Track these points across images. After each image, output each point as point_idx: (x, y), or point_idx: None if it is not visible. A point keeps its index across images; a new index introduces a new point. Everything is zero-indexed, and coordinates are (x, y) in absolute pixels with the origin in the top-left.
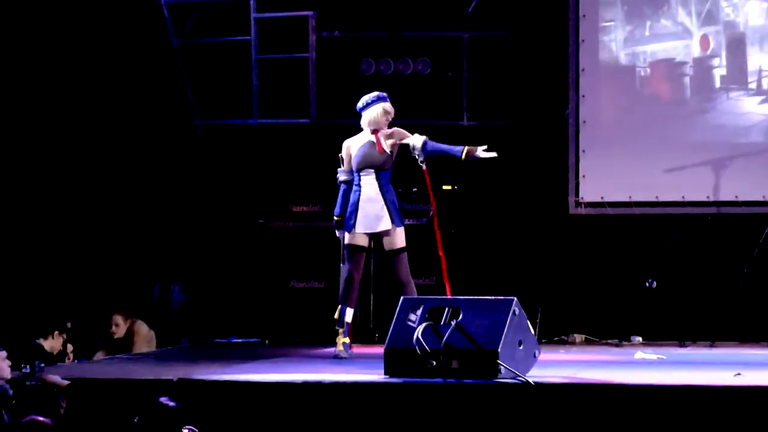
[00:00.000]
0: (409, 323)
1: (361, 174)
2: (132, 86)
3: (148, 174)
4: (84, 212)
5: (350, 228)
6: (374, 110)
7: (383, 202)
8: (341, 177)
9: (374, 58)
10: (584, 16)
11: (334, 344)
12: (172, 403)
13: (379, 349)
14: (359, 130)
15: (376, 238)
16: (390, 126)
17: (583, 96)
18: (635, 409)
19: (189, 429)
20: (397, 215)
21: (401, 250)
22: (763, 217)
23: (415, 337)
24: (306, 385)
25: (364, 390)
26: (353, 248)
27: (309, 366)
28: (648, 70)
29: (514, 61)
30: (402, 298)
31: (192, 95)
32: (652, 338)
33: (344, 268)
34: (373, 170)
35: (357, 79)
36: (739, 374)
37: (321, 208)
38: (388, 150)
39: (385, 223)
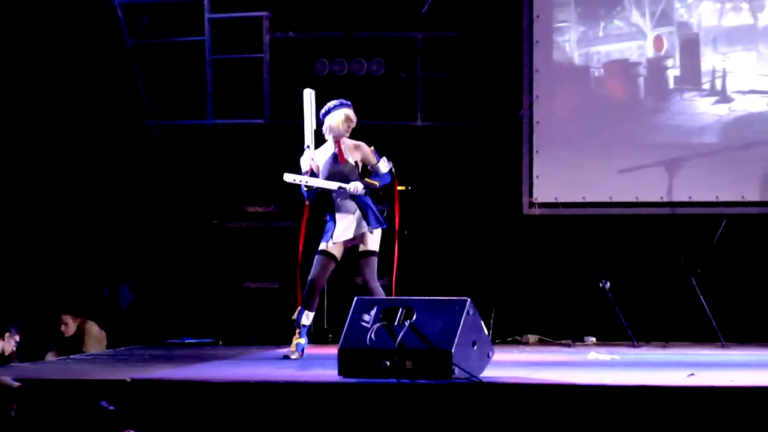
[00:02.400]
0: (363, 324)
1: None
2: (85, 86)
3: (101, 174)
4: (36, 212)
5: (327, 239)
6: (335, 117)
7: (357, 207)
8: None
9: (328, 59)
10: (538, 16)
11: (288, 345)
12: (110, 407)
13: (333, 350)
14: (315, 130)
15: (351, 242)
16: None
17: (537, 96)
18: (589, 409)
19: None
20: (372, 217)
21: (372, 253)
22: (717, 217)
23: (368, 337)
24: (260, 385)
25: (318, 391)
26: (326, 254)
27: (263, 367)
28: (602, 70)
29: (468, 61)
30: (356, 298)
31: (146, 95)
32: (606, 339)
33: (313, 272)
34: (343, 183)
35: (311, 80)
36: (692, 374)
37: (275, 208)
38: (352, 160)
39: (361, 227)
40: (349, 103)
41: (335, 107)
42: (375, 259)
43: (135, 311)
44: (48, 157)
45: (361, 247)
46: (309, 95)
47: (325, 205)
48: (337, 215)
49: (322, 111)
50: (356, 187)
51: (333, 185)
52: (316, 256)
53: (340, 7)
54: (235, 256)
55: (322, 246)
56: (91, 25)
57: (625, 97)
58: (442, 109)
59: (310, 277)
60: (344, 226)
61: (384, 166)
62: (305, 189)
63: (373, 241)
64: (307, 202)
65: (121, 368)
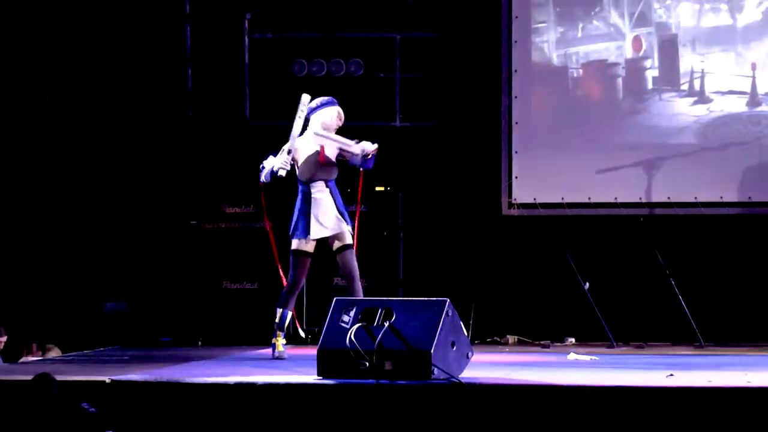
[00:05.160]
0: (342, 324)
1: (309, 184)
2: (68, 88)
3: (77, 174)
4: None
5: (300, 235)
6: (327, 113)
7: (335, 207)
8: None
9: (307, 60)
10: (517, 17)
11: (267, 345)
12: (92, 409)
13: (312, 351)
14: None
15: (322, 241)
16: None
17: (516, 97)
18: (568, 409)
19: None
20: (347, 217)
21: (351, 246)
22: (695, 218)
23: (348, 338)
24: (238, 386)
25: (297, 391)
26: (303, 253)
27: (242, 367)
28: (580, 71)
29: (447, 62)
30: (335, 299)
31: (126, 96)
32: (585, 339)
33: (294, 275)
34: (322, 180)
35: (290, 81)
36: (671, 375)
37: (254, 209)
38: (333, 158)
39: (338, 225)
40: (336, 101)
41: (328, 103)
42: (353, 251)
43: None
44: (24, 161)
45: (337, 244)
46: (305, 100)
47: (300, 197)
48: (314, 210)
49: (312, 105)
50: (364, 148)
51: (350, 143)
52: (293, 257)
53: (319, 8)
54: (213, 257)
55: (296, 245)
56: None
57: (603, 98)
58: (420, 110)
59: (291, 281)
60: (321, 222)
61: (357, 149)
62: (279, 172)
63: (349, 235)
64: (262, 186)
65: (101, 369)
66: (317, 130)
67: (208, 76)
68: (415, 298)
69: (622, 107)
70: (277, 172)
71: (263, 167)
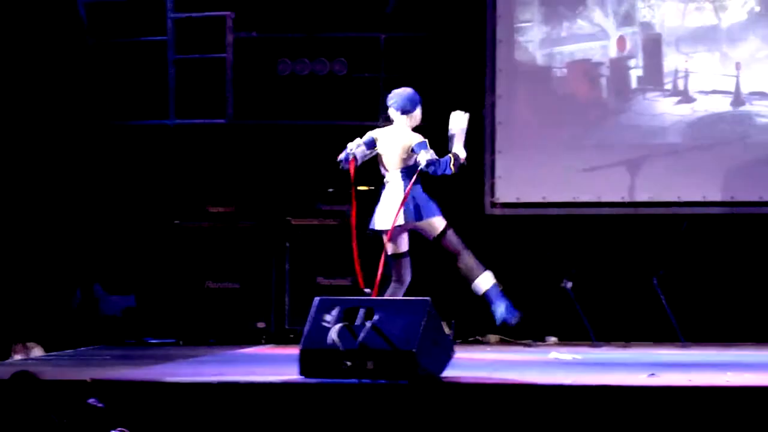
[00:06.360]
0: (325, 324)
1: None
2: (46, 85)
3: (62, 174)
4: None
5: None
6: (419, 111)
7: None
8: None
9: (291, 59)
10: (501, 16)
11: (249, 345)
12: (100, 405)
13: (295, 350)
14: (277, 131)
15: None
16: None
17: (500, 96)
18: (550, 409)
19: (120, 431)
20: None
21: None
22: (678, 217)
23: (330, 337)
24: (221, 385)
25: (280, 390)
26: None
27: (224, 367)
28: (565, 70)
29: (431, 61)
30: (317, 298)
31: (108, 95)
32: (567, 339)
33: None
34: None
35: (274, 80)
36: (653, 374)
37: (237, 208)
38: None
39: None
40: None
41: (420, 101)
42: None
43: (85, 311)
44: (7, 156)
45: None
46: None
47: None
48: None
49: (415, 99)
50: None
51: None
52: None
53: (303, 7)
54: (196, 256)
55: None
56: (54, 24)
57: (587, 98)
58: None
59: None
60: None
61: (423, 156)
62: None
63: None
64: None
65: (82, 368)
66: (404, 127)
67: (191, 75)
68: (398, 297)
69: (607, 107)
70: None
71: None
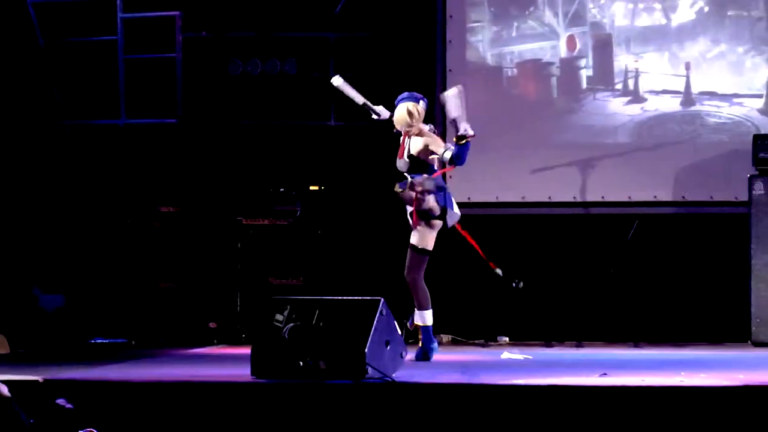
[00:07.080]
0: (276, 323)
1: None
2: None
3: (10, 174)
4: None
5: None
6: (398, 110)
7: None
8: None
9: (242, 59)
10: (451, 16)
11: (201, 345)
12: (69, 405)
13: (246, 350)
14: (228, 130)
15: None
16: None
17: None
18: (501, 409)
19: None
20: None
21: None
22: (629, 217)
23: (281, 337)
24: (172, 385)
25: (231, 390)
26: None
27: (176, 366)
28: (515, 70)
29: (381, 61)
30: (269, 298)
31: (59, 95)
32: (519, 338)
33: None
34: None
35: (225, 80)
36: (604, 374)
37: (188, 208)
38: (415, 152)
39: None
40: (418, 96)
41: (400, 100)
42: (411, 253)
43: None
44: None
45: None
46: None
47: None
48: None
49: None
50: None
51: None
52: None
53: (254, 6)
54: (148, 256)
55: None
56: (2, 24)
57: (538, 98)
58: (355, 109)
59: None
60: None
61: (448, 154)
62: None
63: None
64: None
65: (34, 368)
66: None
67: (140, 75)
68: (349, 297)
69: (557, 106)
70: None
71: None
